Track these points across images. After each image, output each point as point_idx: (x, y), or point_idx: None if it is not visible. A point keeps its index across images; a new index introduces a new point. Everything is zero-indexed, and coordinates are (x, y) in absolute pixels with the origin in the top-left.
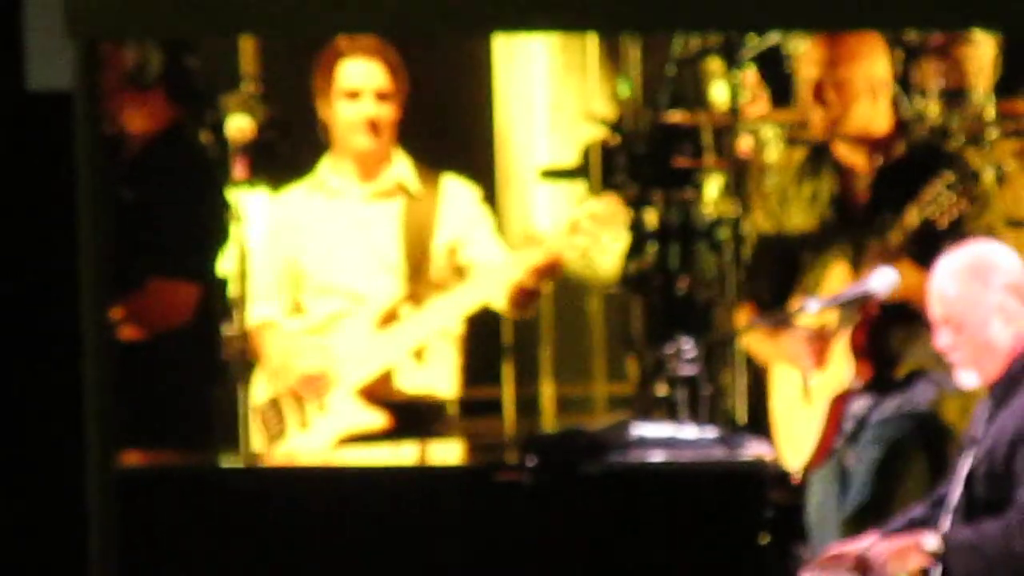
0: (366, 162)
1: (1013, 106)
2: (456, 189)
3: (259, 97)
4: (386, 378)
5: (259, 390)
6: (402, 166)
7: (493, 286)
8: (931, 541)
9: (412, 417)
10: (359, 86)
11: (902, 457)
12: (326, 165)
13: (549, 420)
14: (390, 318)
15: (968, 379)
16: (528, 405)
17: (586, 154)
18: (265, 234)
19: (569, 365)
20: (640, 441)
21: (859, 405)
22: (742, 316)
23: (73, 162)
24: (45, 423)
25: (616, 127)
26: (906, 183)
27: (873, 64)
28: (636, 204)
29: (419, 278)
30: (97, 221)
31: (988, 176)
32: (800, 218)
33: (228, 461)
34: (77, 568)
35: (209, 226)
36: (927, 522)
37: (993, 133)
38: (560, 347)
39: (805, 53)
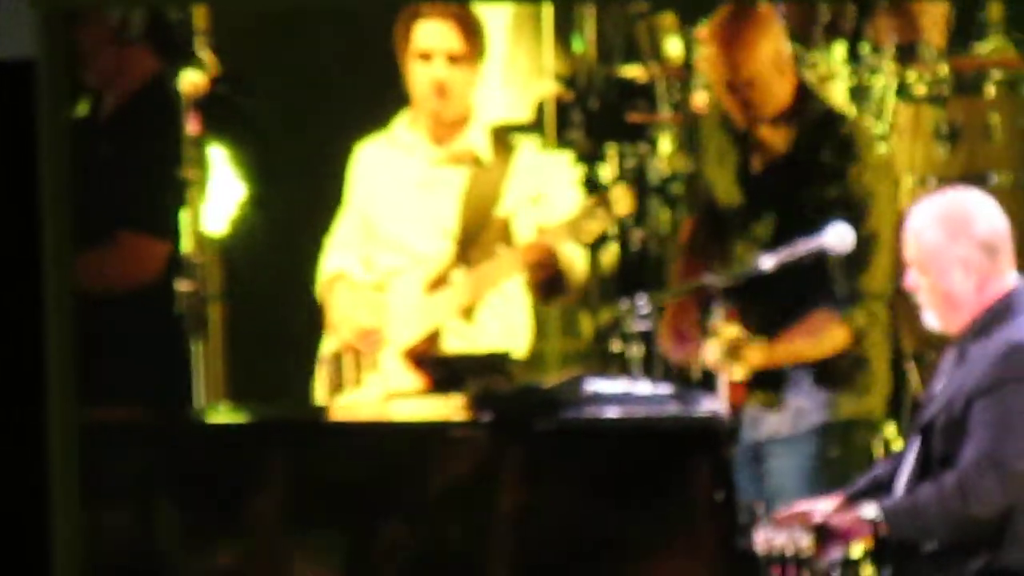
0: (439, 124)
1: (966, 62)
2: (531, 160)
3: (212, 51)
4: (432, 340)
5: (328, 342)
6: (477, 132)
7: (510, 268)
8: (869, 510)
9: (455, 374)
10: (431, 48)
11: (824, 475)
12: (402, 120)
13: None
14: (439, 282)
15: (932, 320)
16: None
17: (540, 109)
18: (345, 184)
19: None
20: (594, 397)
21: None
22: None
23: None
24: (7, 379)
25: (570, 82)
26: (804, 152)
27: (771, 43)
28: (590, 159)
29: (474, 247)
30: (60, 192)
31: (867, 131)
32: (711, 172)
33: (187, 416)
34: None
35: (180, 182)
36: (889, 480)
37: (946, 89)
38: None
39: (706, 57)
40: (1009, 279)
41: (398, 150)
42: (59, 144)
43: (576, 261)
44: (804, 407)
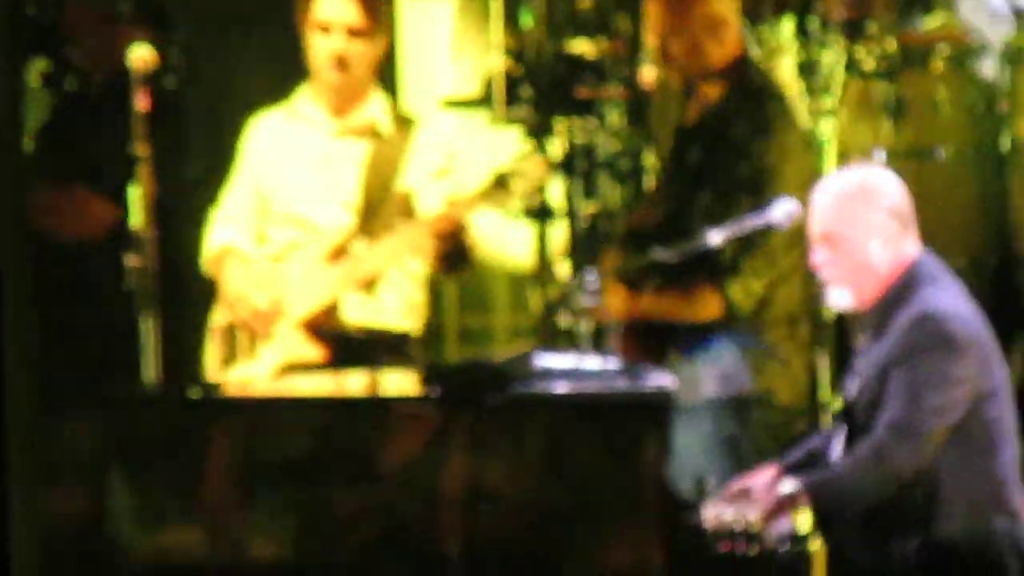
0: (339, 96)
1: (914, 37)
2: (432, 136)
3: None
4: (331, 312)
5: (219, 314)
6: (377, 106)
7: (412, 243)
8: (788, 484)
9: (354, 349)
10: (330, 20)
11: (723, 451)
12: (303, 93)
13: (452, 351)
14: (339, 254)
15: (839, 298)
16: (430, 336)
17: (489, 84)
18: (237, 156)
19: (471, 295)
20: (543, 372)
21: None
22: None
23: None
24: None
25: (519, 57)
26: (722, 120)
27: (707, 9)
28: (538, 134)
29: (374, 219)
30: (17, 184)
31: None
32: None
33: (132, 391)
34: None
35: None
36: (823, 451)
37: (896, 64)
38: (462, 277)
39: (650, 18)
40: (911, 248)
41: (299, 122)
42: (12, 129)
43: (479, 235)
44: (697, 379)
